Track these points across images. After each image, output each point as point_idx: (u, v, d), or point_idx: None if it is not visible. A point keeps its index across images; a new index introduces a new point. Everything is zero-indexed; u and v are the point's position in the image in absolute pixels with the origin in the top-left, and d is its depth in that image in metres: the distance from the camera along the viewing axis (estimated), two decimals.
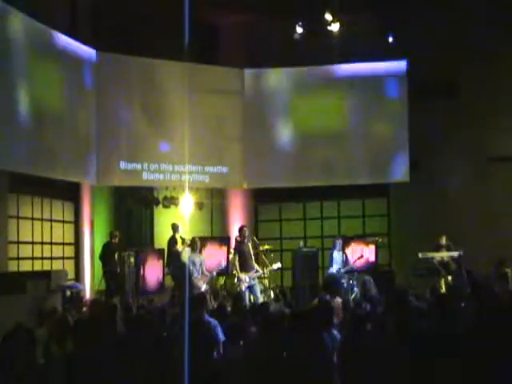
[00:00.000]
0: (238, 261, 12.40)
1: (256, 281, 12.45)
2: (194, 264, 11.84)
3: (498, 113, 15.12)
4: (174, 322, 7.51)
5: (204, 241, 13.66)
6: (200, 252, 12.36)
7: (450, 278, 12.79)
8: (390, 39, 15.06)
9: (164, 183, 15.03)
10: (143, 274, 13.12)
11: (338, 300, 9.33)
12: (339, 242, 13.56)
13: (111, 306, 8.03)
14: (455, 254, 12.96)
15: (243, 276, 12.22)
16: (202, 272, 11.97)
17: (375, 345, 5.56)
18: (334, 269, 13.27)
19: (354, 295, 12.78)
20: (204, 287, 11.79)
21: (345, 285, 12.90)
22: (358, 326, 5.89)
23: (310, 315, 6.14)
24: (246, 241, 12.56)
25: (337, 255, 13.40)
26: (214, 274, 12.69)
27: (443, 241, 13.32)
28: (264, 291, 13.13)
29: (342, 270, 13.13)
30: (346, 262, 13.32)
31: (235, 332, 6.49)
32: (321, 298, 9.06)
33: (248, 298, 12.00)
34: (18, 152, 11.75)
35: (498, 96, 15.09)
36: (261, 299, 12.09)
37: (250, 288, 12.23)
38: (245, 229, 12.78)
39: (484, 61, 14.93)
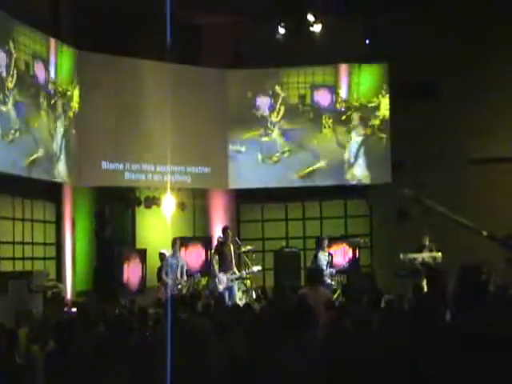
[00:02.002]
0: (218, 261, 12.39)
1: (235, 282, 12.45)
2: (171, 267, 11.89)
3: (479, 114, 15.22)
4: (156, 322, 7.50)
5: (186, 241, 13.65)
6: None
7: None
8: (372, 41, 15.19)
9: (146, 183, 15.01)
10: (125, 274, 13.10)
11: (325, 291, 9.00)
12: (326, 242, 13.52)
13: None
14: (436, 255, 13.02)
15: (222, 276, 12.21)
16: (182, 274, 12.00)
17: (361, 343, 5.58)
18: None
19: (336, 295, 12.82)
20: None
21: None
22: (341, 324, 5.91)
23: (289, 314, 6.12)
24: (228, 242, 12.56)
25: (322, 255, 13.37)
26: (199, 275, 12.73)
27: (426, 241, 13.39)
28: (246, 292, 13.14)
29: (327, 272, 13.12)
30: (330, 262, 13.29)
31: (221, 331, 6.48)
32: (299, 295, 8.93)
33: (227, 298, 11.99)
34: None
35: (480, 97, 15.19)
36: (238, 301, 12.07)
37: (229, 289, 12.22)
38: (228, 230, 12.79)
39: (464, 62, 15.04)
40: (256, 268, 13.28)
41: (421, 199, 11.53)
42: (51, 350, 6.16)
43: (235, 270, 12.67)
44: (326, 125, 15.77)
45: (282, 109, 15.94)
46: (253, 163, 15.80)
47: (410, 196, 11.66)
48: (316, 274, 8.92)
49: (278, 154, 15.82)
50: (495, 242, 10.30)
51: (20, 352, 6.19)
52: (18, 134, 12.20)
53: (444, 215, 9.16)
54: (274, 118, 15.95)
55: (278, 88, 15.96)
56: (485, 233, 8.55)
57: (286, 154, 15.83)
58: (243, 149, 15.86)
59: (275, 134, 15.92)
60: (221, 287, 12.13)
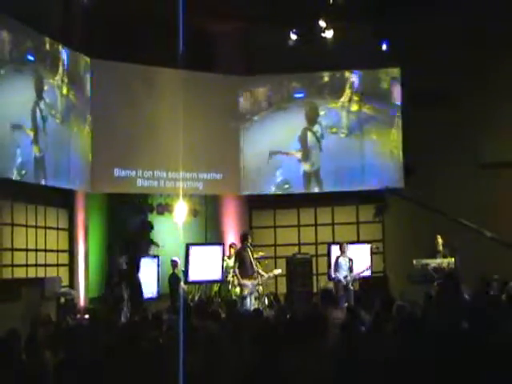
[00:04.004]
0: (239, 267, 12.43)
1: (258, 287, 12.63)
2: None
3: (491, 120, 15.18)
4: (169, 328, 7.50)
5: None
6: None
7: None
8: (384, 46, 15.20)
9: (158, 190, 15.03)
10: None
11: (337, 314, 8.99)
12: (346, 247, 13.34)
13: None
14: (450, 260, 12.96)
15: (246, 282, 12.27)
16: None
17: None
18: (340, 275, 13.09)
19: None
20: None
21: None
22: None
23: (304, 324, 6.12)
24: (247, 247, 12.64)
25: (342, 261, 13.25)
26: None
27: (440, 247, 13.34)
28: (258, 298, 13.13)
29: (349, 278, 13.07)
30: (351, 268, 13.24)
31: (232, 339, 6.48)
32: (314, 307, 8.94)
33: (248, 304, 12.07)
34: (13, 160, 11.78)
35: (492, 103, 15.15)
36: (254, 306, 12.09)
37: (251, 294, 12.33)
38: (248, 236, 12.88)
39: (477, 68, 15.00)
40: (277, 271, 13.39)
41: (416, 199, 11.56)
42: (64, 356, 6.17)
43: (261, 271, 12.85)
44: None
45: None
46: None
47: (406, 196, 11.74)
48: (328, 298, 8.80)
49: None
50: (500, 244, 10.29)
51: (33, 358, 6.20)
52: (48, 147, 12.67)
53: (443, 215, 9.18)
54: None
55: None
56: (488, 234, 8.55)
57: None
58: None
59: None
60: (246, 292, 12.20)
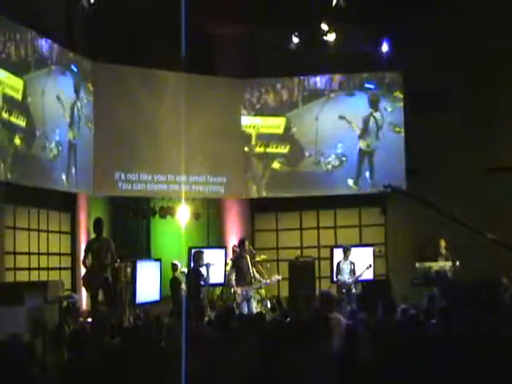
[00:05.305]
0: (236, 274, 12.31)
1: (252, 293, 12.41)
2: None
3: (496, 123, 15.17)
4: (170, 332, 7.50)
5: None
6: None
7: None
8: (386, 49, 15.23)
9: (160, 193, 15.03)
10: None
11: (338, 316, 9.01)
12: (349, 251, 13.29)
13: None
14: (452, 263, 12.96)
15: (239, 290, 12.15)
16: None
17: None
18: (343, 278, 13.07)
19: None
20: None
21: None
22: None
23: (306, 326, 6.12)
24: (244, 254, 12.52)
25: (344, 265, 13.19)
26: None
27: (442, 249, 13.31)
28: (261, 301, 13.10)
29: (350, 280, 13.05)
30: (353, 271, 13.21)
31: (234, 342, 6.47)
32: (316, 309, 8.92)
33: (246, 310, 11.96)
34: (14, 163, 11.80)
35: (496, 106, 15.13)
36: (255, 310, 12.03)
37: (247, 301, 12.19)
38: (246, 242, 12.76)
39: (481, 70, 15.00)
40: (275, 278, 13.20)
41: (409, 195, 11.53)
42: (66, 360, 6.17)
43: (258, 276, 12.69)
44: None
45: None
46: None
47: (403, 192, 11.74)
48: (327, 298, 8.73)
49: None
50: (501, 247, 10.23)
51: (36, 362, 6.21)
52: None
53: (443, 213, 9.10)
54: None
55: None
56: (490, 235, 8.47)
57: None
58: None
59: None
60: (239, 299, 12.09)
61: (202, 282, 11.66)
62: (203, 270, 11.67)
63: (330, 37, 14.91)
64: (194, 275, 11.77)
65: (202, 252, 12.01)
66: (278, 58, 15.55)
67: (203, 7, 12.76)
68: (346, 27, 14.73)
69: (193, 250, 12.52)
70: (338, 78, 16.07)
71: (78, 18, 13.85)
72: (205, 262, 11.73)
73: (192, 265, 12.05)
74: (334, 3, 14.04)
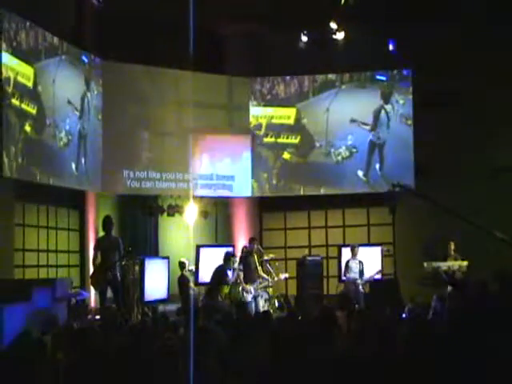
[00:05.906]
0: (244, 272, 12.39)
1: (260, 291, 12.47)
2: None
3: (504, 122, 15.10)
4: (178, 330, 7.50)
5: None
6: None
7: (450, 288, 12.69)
8: (394, 48, 15.20)
9: (168, 192, 15.05)
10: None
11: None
12: (357, 250, 13.31)
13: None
14: (461, 264, 12.90)
15: (248, 287, 12.24)
16: None
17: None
18: (352, 276, 13.06)
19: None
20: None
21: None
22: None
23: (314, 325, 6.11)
24: (253, 252, 12.62)
25: (353, 264, 13.21)
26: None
27: (451, 250, 13.27)
28: (268, 300, 13.12)
29: (360, 281, 13.04)
30: (362, 271, 13.20)
31: (241, 340, 6.47)
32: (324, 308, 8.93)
33: (254, 308, 12.02)
34: (25, 149, 11.85)
35: (505, 106, 15.07)
36: (263, 309, 12.07)
37: (255, 298, 12.26)
38: (256, 241, 12.85)
39: (489, 70, 14.93)
40: (283, 276, 13.29)
41: (420, 194, 11.49)
42: (75, 357, 6.18)
43: (264, 275, 12.77)
44: None
45: None
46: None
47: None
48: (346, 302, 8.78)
49: None
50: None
51: (45, 359, 6.22)
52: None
53: (451, 212, 9.06)
54: None
55: None
56: (499, 234, 8.42)
57: None
58: None
59: None
60: (248, 297, 12.15)
61: (223, 282, 12.02)
62: (229, 272, 11.93)
63: (339, 35, 14.91)
64: (219, 275, 12.13)
65: (235, 256, 12.43)
66: (287, 56, 15.54)
67: (213, 6, 12.78)
68: (354, 26, 14.70)
69: (226, 250, 12.73)
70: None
71: (87, 16, 13.90)
72: (235, 266, 12.19)
73: (220, 265, 12.32)
74: (342, 2, 14.02)
